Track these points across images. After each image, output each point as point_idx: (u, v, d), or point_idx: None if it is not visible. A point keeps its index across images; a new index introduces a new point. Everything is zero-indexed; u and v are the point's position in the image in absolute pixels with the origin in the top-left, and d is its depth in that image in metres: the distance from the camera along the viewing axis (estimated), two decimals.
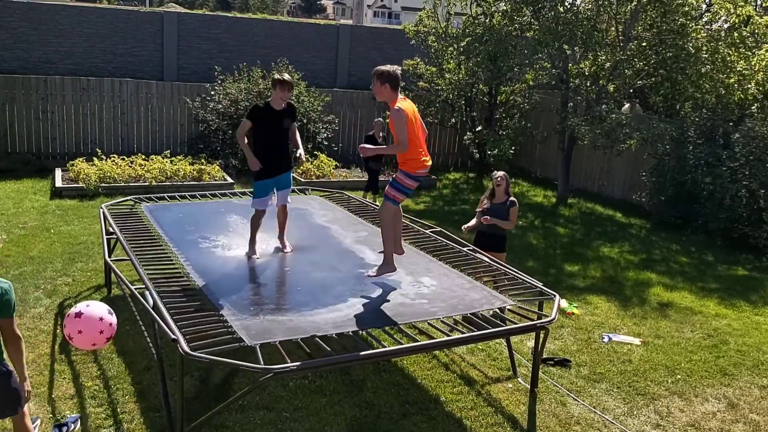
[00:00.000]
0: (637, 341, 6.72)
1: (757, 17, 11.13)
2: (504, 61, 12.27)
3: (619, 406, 5.49)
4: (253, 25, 15.24)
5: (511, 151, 12.70)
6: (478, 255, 6.43)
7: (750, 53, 11.07)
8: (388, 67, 5.33)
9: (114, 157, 11.72)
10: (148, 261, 5.90)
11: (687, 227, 10.82)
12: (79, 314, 4.34)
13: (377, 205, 7.59)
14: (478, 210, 7.04)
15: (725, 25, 11.66)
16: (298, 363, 4.10)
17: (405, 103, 5.33)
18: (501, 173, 6.94)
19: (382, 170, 11.99)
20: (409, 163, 5.40)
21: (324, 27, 16.64)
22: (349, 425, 4.93)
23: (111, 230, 6.73)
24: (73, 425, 4.68)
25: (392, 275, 5.74)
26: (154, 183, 11.09)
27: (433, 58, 13.96)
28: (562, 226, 11.05)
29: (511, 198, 6.91)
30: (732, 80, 10.96)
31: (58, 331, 6.08)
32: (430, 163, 5.53)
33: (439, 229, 7.38)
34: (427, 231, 7.21)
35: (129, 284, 5.43)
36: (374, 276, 5.68)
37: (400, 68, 5.41)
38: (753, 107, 10.92)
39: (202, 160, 12.05)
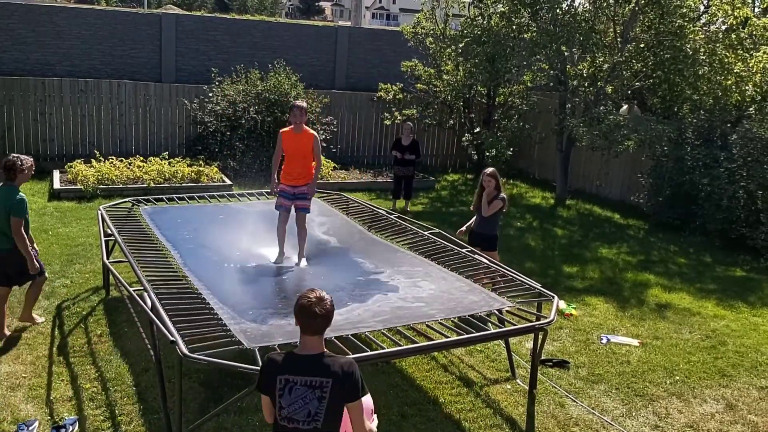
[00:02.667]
0: (635, 342, 6.72)
1: (754, 19, 11.16)
2: (502, 63, 12.28)
3: (617, 408, 5.49)
4: (252, 26, 15.25)
5: (509, 152, 12.71)
6: (476, 257, 6.44)
7: (747, 55, 11.09)
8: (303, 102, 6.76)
9: (112, 158, 11.71)
10: (146, 263, 5.90)
11: (685, 228, 10.82)
12: None
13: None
14: (472, 209, 7.18)
15: (723, 27, 11.69)
16: None
17: None
18: (488, 171, 7.07)
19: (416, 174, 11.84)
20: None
21: (322, 28, 16.65)
22: None
23: (109, 232, 6.72)
24: (71, 427, 4.68)
25: (391, 278, 5.78)
26: (152, 184, 11.08)
27: (431, 60, 13.98)
28: (560, 227, 11.05)
29: (502, 195, 7.05)
30: (730, 82, 10.98)
31: (56, 332, 6.08)
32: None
33: (437, 230, 7.38)
34: (425, 233, 7.21)
35: (127, 286, 5.42)
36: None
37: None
38: (750, 109, 10.94)
39: (201, 162, 12.04)
